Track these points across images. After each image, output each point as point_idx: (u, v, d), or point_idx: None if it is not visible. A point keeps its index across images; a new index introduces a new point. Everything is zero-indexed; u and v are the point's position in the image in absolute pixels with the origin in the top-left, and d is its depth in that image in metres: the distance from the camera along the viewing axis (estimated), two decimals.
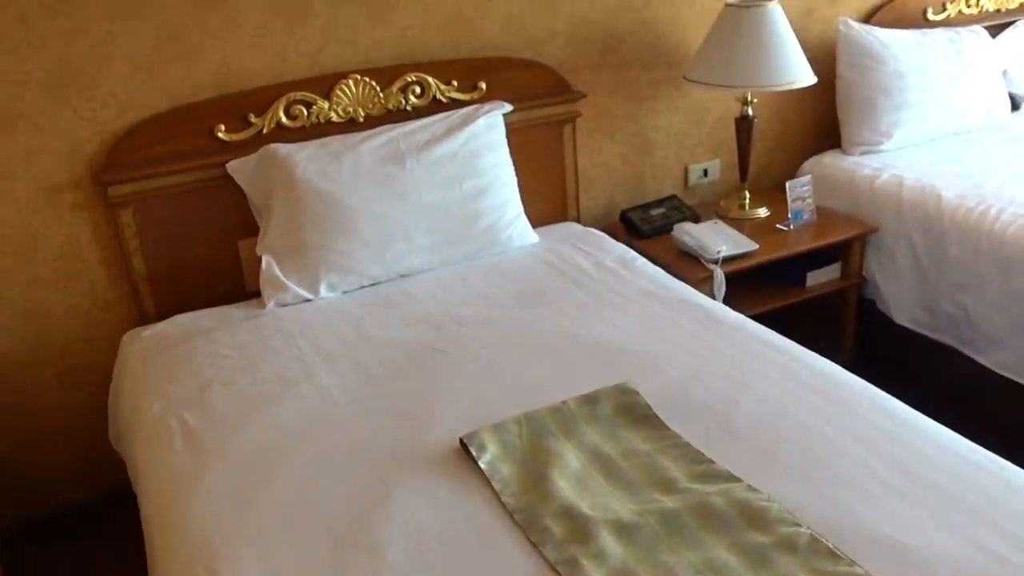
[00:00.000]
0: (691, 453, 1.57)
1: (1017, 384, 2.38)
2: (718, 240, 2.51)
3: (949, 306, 2.53)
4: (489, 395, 1.77)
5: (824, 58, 2.98)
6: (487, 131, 2.43)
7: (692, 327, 2.00)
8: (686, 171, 2.98)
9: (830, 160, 2.95)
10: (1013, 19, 3.27)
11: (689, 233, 2.55)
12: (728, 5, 2.63)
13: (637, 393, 1.72)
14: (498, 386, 1.80)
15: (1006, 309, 2.38)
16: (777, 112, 3.04)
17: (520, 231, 2.46)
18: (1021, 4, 3.34)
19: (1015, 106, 3.21)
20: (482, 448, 1.57)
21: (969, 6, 3.25)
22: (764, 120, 3.00)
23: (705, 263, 2.48)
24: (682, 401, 1.72)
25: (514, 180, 2.48)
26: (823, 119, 3.08)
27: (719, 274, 2.44)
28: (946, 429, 1.61)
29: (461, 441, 1.60)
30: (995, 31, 3.21)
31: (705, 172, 3.00)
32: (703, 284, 2.45)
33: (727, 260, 2.49)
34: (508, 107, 2.49)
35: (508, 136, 2.49)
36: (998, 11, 3.30)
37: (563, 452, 1.58)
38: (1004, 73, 3.18)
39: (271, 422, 1.72)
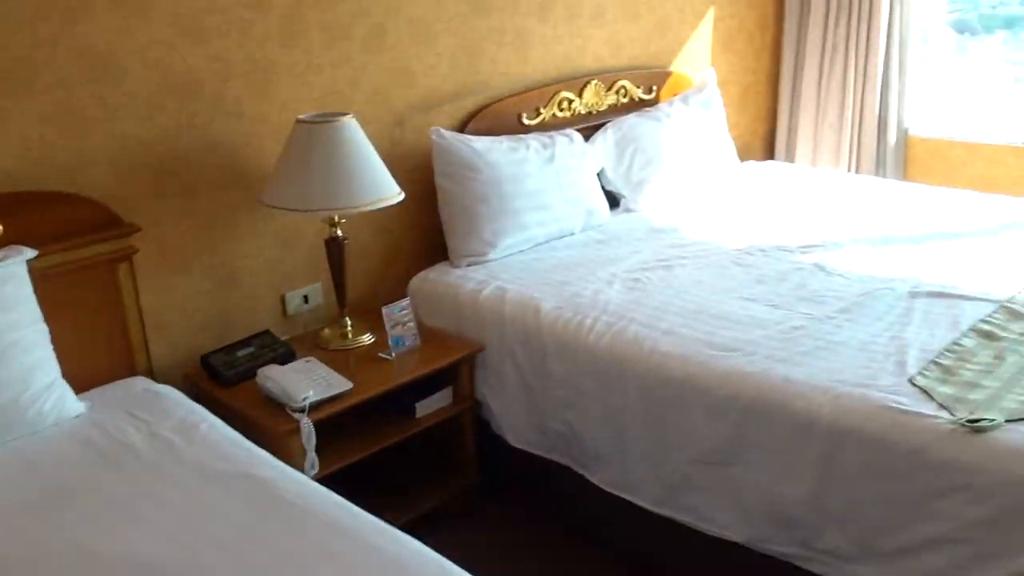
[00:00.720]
0: None
1: (629, 502, 2.30)
2: (306, 383, 2.21)
3: (557, 424, 2.43)
4: None
5: (425, 168, 2.86)
6: (1, 284, 1.96)
7: (247, 517, 1.66)
8: (283, 300, 2.67)
9: (436, 275, 2.80)
10: (604, 121, 3.39)
11: (272, 377, 2.23)
12: (299, 121, 2.40)
13: None
14: None
15: (607, 424, 2.31)
16: (380, 226, 2.85)
17: (56, 402, 2.00)
18: (611, 106, 3.49)
19: (614, 204, 3.31)
20: None
21: (562, 110, 3.32)
22: (368, 235, 2.80)
23: (291, 412, 2.17)
24: None
25: (46, 340, 2.04)
26: (431, 231, 2.94)
27: (306, 425, 2.14)
28: None
29: None
30: (588, 133, 3.30)
31: (306, 299, 2.72)
32: (293, 436, 2.15)
33: (319, 405, 2.21)
34: (30, 252, 2.05)
35: (36, 286, 2.04)
36: (590, 113, 3.42)
37: None
38: (601, 173, 3.27)
39: None
